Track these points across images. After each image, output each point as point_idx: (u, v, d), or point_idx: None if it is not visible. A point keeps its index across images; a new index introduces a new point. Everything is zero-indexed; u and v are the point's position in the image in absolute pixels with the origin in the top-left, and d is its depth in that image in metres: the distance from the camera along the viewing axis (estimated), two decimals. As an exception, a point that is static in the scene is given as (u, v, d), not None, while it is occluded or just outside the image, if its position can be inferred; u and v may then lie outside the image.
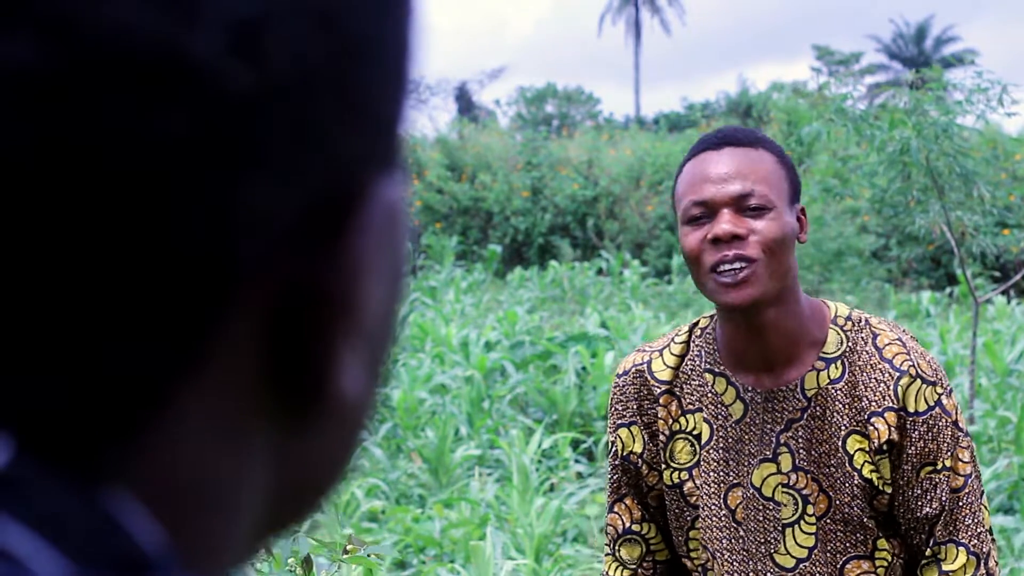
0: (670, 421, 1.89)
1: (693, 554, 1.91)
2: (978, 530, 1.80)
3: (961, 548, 1.79)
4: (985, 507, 1.83)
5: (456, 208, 19.45)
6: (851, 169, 6.99)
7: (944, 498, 1.78)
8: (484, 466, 6.55)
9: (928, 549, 1.81)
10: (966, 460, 1.79)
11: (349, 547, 2.22)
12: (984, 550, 1.80)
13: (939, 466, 1.77)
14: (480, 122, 26.64)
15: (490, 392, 7.65)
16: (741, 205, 1.74)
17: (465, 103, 38.60)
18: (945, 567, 1.79)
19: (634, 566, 1.97)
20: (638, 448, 1.92)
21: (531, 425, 7.10)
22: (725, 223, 1.73)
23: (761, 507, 1.83)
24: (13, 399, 0.31)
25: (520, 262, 18.71)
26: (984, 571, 1.80)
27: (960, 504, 1.79)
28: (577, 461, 6.76)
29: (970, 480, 1.79)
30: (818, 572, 1.82)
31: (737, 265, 1.72)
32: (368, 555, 2.16)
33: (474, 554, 4.43)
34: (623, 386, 1.93)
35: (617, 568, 1.99)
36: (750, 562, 1.84)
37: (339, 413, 0.36)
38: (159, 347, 0.32)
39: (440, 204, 19.15)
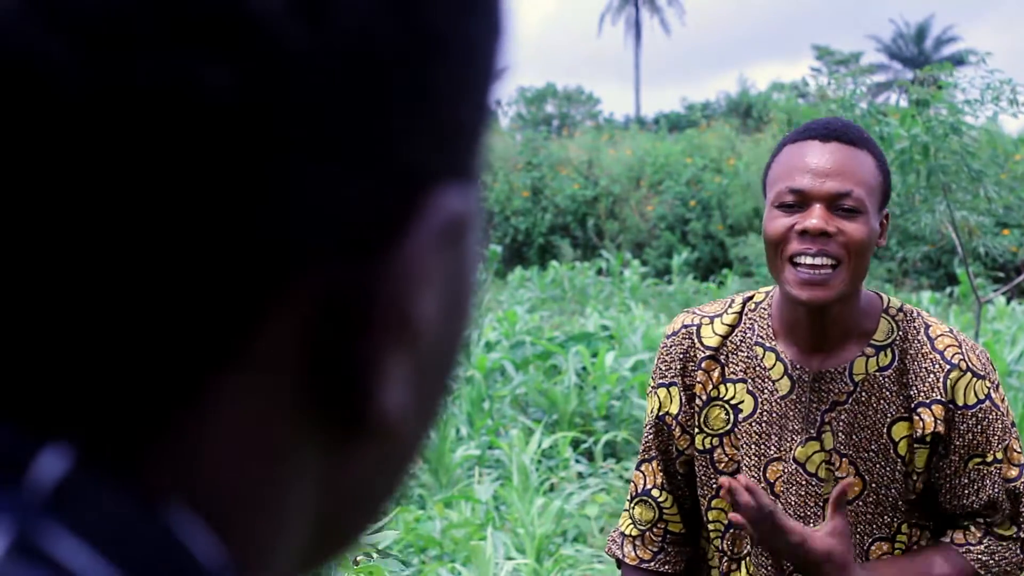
0: (709, 387, 1.90)
1: (711, 526, 1.93)
2: None
3: (1015, 526, 1.84)
4: None
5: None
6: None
7: (995, 490, 1.81)
8: (484, 466, 6.54)
9: (981, 520, 1.85)
10: (1019, 450, 1.82)
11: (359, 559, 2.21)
12: None
13: (989, 459, 1.80)
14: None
15: (490, 392, 7.65)
16: (835, 203, 1.75)
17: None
18: (995, 529, 1.84)
19: (644, 527, 2.00)
20: (674, 409, 1.94)
21: (531, 425, 7.09)
22: (817, 218, 1.73)
23: (804, 481, 1.84)
24: (67, 403, 0.30)
25: (520, 262, 18.72)
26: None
27: (1018, 492, 1.82)
28: (577, 461, 6.75)
29: None
30: None
31: (819, 261, 1.73)
32: (368, 551, 2.15)
33: (475, 554, 4.42)
34: (670, 346, 1.94)
35: (630, 525, 2.02)
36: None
37: (382, 434, 0.34)
38: (201, 334, 0.31)
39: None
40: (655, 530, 1.99)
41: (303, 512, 0.34)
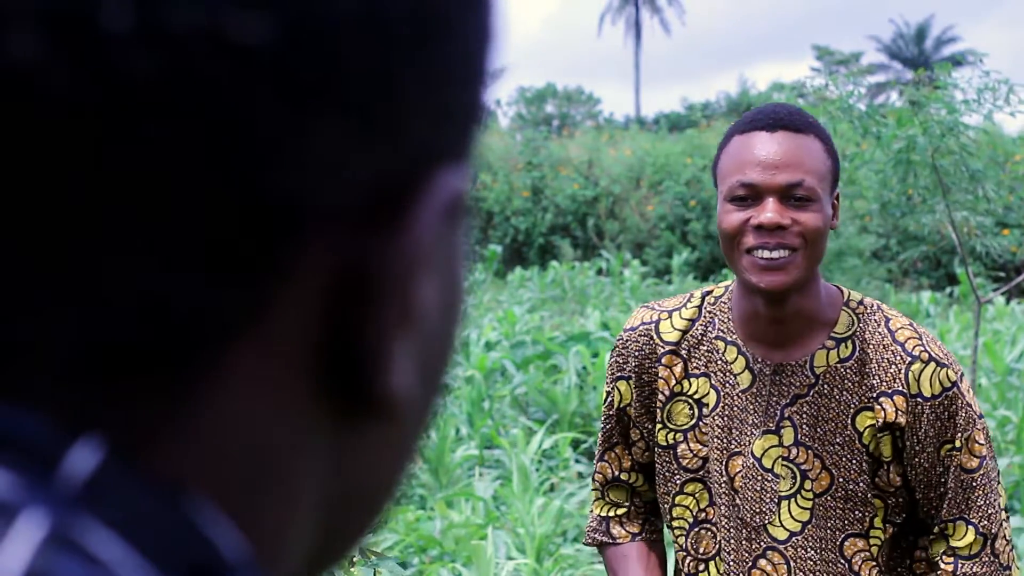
0: (672, 382, 1.91)
1: (676, 523, 1.93)
2: (989, 511, 1.82)
3: (970, 527, 1.81)
4: (1001, 489, 1.85)
5: (456, 208, 19.46)
6: (857, 166, 6.97)
7: (956, 475, 1.80)
8: (484, 466, 6.55)
9: (936, 527, 1.83)
10: (981, 442, 1.81)
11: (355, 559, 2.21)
12: (993, 531, 1.82)
13: (956, 444, 1.79)
14: (480, 122, 26.60)
15: (490, 392, 7.65)
16: (788, 194, 1.75)
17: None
18: (952, 542, 1.81)
19: (627, 504, 2.02)
20: (630, 401, 1.95)
21: (531, 425, 7.09)
22: (771, 212, 1.74)
23: (760, 477, 1.84)
24: (93, 392, 0.30)
25: (520, 262, 18.72)
26: (990, 550, 1.82)
27: (974, 485, 1.81)
28: (577, 461, 6.75)
29: (985, 461, 1.81)
30: (811, 547, 1.83)
31: (776, 254, 1.74)
32: (369, 556, 2.15)
33: (475, 554, 4.42)
34: (627, 341, 1.95)
35: (609, 508, 2.02)
36: (744, 530, 1.86)
37: (389, 416, 0.34)
38: (216, 306, 0.31)
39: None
40: (635, 503, 2.01)
41: (313, 501, 0.34)
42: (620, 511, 2.01)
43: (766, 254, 1.74)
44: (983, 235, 6.71)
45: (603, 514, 2.02)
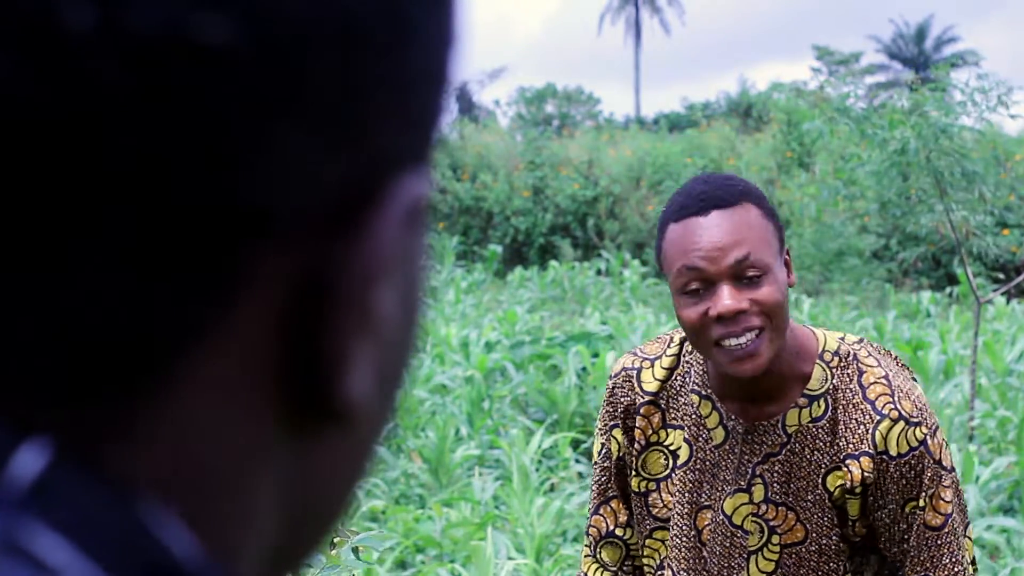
0: (648, 432, 1.90)
1: (646, 560, 1.94)
2: (955, 569, 1.80)
3: None
4: (968, 540, 1.83)
5: (458, 207, 19.46)
6: (854, 167, 6.98)
7: (919, 533, 1.78)
8: (484, 466, 6.55)
9: None
10: (947, 499, 1.78)
11: (336, 540, 2.20)
12: None
13: (920, 503, 1.78)
14: (480, 122, 26.63)
15: (490, 392, 7.65)
16: (738, 274, 1.71)
17: (466, 103, 38.60)
18: None
19: (615, 568, 1.99)
20: (628, 449, 1.94)
21: (531, 425, 7.09)
22: (728, 299, 1.69)
23: (729, 534, 1.84)
24: (40, 394, 0.30)
25: (520, 262, 18.71)
26: None
27: (939, 543, 1.79)
28: (577, 461, 6.75)
29: (951, 519, 1.79)
30: None
31: (744, 339, 1.70)
32: (356, 548, 2.15)
33: (475, 554, 4.43)
34: (613, 388, 1.94)
35: (598, 570, 2.00)
36: None
37: (347, 421, 0.34)
38: (171, 309, 0.30)
39: (441, 204, 19.16)
40: (625, 567, 1.99)
41: (271, 507, 0.34)
42: (609, 572, 1.99)
43: (733, 341, 1.70)
44: (982, 235, 6.71)
45: (590, 575, 2.01)
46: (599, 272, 16.15)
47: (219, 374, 0.32)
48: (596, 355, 8.37)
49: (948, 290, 14.68)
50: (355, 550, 2.14)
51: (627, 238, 19.20)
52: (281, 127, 0.30)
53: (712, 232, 1.71)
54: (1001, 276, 14.24)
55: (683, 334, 1.91)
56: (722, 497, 1.84)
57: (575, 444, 7.12)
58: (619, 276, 15.06)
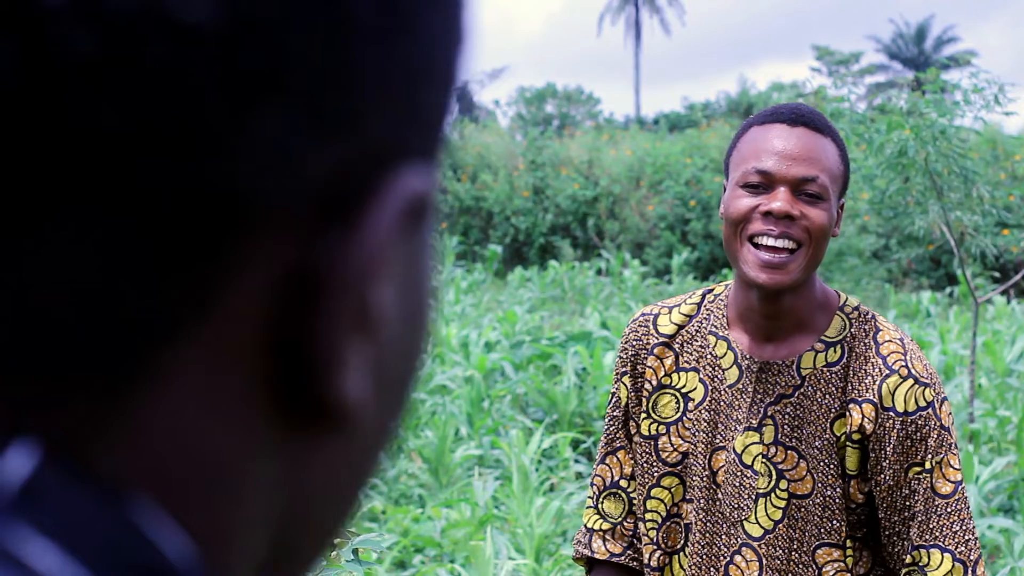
0: (660, 373, 1.91)
1: (649, 515, 1.92)
2: (966, 537, 1.78)
3: (947, 554, 1.77)
4: (971, 516, 1.81)
5: (458, 207, 19.45)
6: (852, 170, 6.99)
7: (927, 499, 1.77)
8: (484, 466, 6.55)
9: (908, 556, 1.79)
10: (956, 467, 1.78)
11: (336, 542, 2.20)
12: (972, 557, 1.78)
13: (927, 466, 1.77)
14: (480, 122, 26.62)
15: (490, 392, 7.65)
16: (800, 188, 1.76)
17: (466, 103, 38.50)
18: (929, 573, 1.77)
19: (615, 521, 1.98)
20: (629, 399, 1.95)
21: (531, 425, 7.09)
22: (782, 201, 1.75)
23: (739, 472, 1.85)
24: (28, 394, 0.29)
25: (520, 262, 18.72)
26: None
27: (949, 510, 1.77)
28: (577, 461, 6.75)
29: (960, 487, 1.78)
30: (781, 548, 1.82)
31: (780, 243, 1.74)
32: (356, 550, 2.15)
33: (474, 554, 4.43)
34: (628, 334, 1.96)
35: (598, 520, 1.99)
36: (723, 524, 1.86)
37: (341, 426, 0.33)
38: (155, 303, 0.29)
39: (441, 203, 19.12)
40: (626, 523, 1.98)
41: (266, 509, 0.33)
42: (605, 526, 1.98)
43: (770, 241, 1.74)
44: (978, 235, 6.71)
45: (590, 525, 2.00)
46: (599, 272, 16.15)
47: (204, 372, 0.31)
48: (595, 355, 8.37)
49: (948, 290, 14.68)
50: (355, 552, 2.14)
51: (627, 238, 19.20)
52: (260, 110, 0.29)
53: (792, 142, 1.77)
54: (997, 276, 14.24)
55: (706, 288, 1.95)
56: (733, 436, 1.85)
57: (575, 444, 7.12)
58: (619, 276, 15.06)
